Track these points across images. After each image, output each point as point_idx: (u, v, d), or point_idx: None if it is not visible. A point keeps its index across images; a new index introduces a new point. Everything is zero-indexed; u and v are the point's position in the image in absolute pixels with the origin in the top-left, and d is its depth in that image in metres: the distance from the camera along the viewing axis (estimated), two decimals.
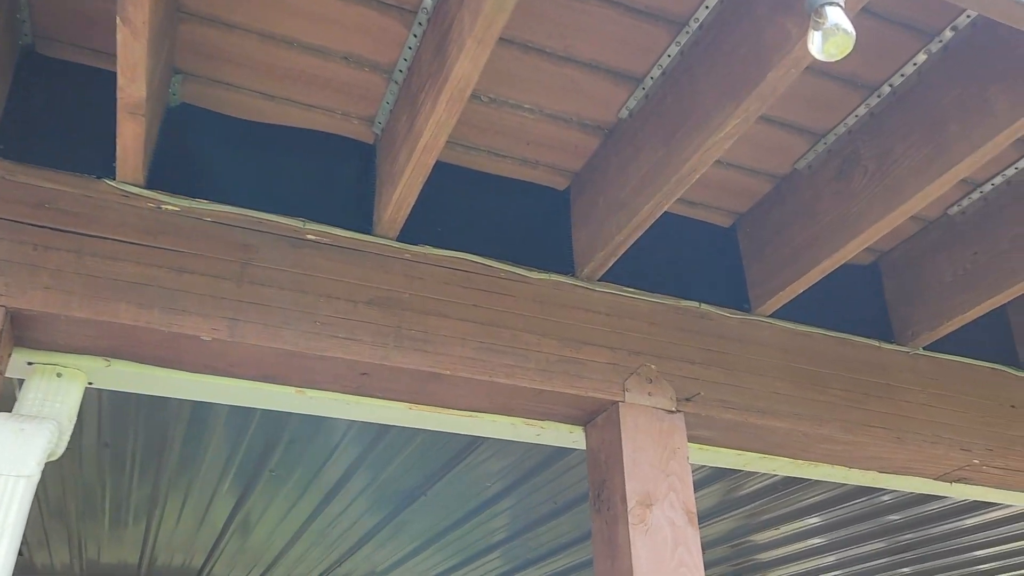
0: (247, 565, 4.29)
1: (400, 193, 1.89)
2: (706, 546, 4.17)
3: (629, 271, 2.31)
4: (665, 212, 2.45)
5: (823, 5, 1.33)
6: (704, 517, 3.71)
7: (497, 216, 2.26)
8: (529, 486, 3.26)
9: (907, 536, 3.98)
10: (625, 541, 1.90)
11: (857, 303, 2.60)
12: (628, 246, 2.11)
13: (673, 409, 2.12)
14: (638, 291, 2.27)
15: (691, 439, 2.25)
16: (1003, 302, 2.31)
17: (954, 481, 2.57)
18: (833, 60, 1.36)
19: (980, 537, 3.98)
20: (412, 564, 4.28)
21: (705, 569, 4.63)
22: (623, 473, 1.97)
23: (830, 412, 2.30)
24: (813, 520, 3.75)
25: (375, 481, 3.17)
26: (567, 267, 2.25)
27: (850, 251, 2.11)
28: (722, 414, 2.18)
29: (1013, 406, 2.58)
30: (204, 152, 1.98)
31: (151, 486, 3.15)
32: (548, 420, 2.19)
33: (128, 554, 4.10)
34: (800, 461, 2.43)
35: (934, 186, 1.89)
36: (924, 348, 2.56)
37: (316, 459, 2.95)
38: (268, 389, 1.96)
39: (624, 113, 2.10)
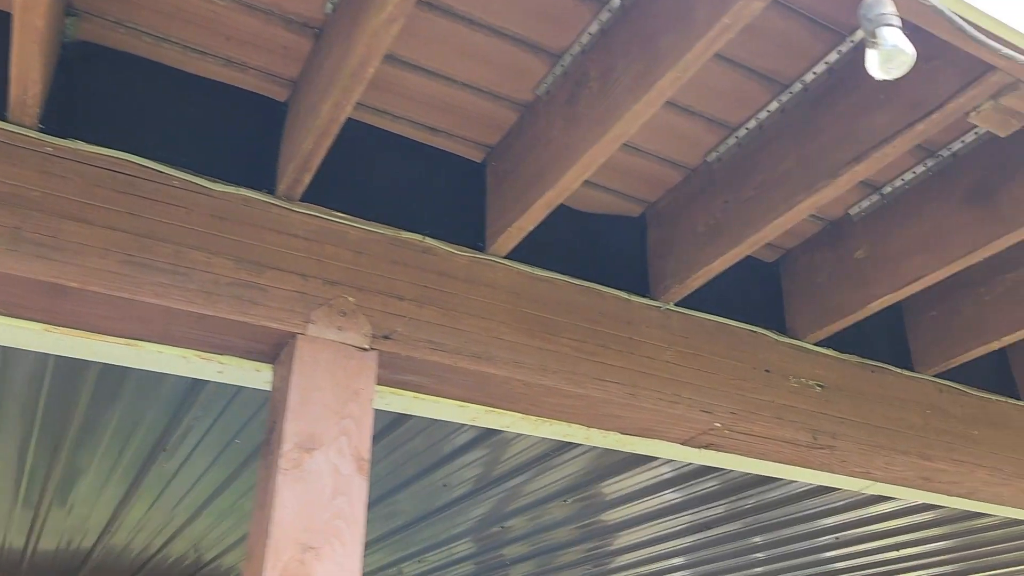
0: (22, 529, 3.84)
1: (17, 61, 1.58)
2: (559, 523, 3.91)
3: (350, 197, 2.07)
4: (407, 139, 2.23)
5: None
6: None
7: (191, 122, 1.97)
8: None
9: (760, 520, 3.83)
10: (273, 488, 1.65)
11: (619, 255, 2.43)
12: (320, 157, 1.85)
13: (366, 347, 1.89)
14: (348, 217, 2.02)
15: (400, 384, 2.04)
16: (747, 252, 2.17)
17: (702, 447, 2.43)
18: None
19: (829, 523, 3.88)
20: (189, 532, 3.92)
21: (560, 550, 4.36)
22: (286, 411, 1.72)
23: (557, 362, 2.11)
24: (669, 495, 3.53)
25: (106, 431, 2.82)
26: (270, 186, 1.99)
27: (570, 182, 1.92)
28: (428, 356, 1.96)
29: (768, 370, 2.45)
30: None
31: None
32: (228, 355, 1.92)
33: None
34: (532, 417, 2.24)
35: (641, 105, 1.71)
36: (680, 305, 2.40)
37: (21, 400, 2.59)
38: None
39: (328, 7, 1.84)
